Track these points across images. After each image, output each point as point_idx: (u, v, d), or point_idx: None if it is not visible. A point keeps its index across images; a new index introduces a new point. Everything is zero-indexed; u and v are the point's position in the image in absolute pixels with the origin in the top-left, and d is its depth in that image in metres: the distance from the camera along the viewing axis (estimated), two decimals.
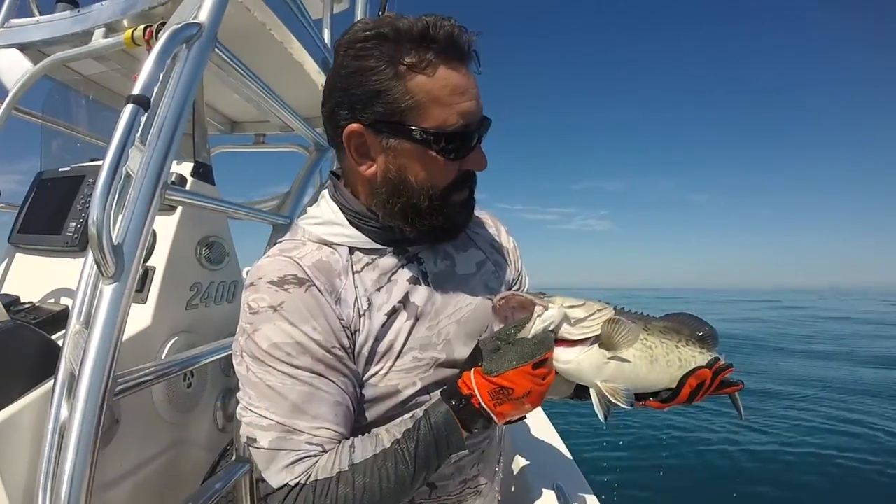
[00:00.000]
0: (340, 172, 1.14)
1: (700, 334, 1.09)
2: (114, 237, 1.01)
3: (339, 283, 0.99)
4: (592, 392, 0.97)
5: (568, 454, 2.34)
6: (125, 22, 1.63)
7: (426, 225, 1.02)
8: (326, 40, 2.31)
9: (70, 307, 1.15)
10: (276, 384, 0.89)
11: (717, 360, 1.06)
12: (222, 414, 1.71)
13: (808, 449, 7.13)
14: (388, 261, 1.06)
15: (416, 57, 0.92)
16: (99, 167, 0.99)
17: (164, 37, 1.16)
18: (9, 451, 1.08)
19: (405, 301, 1.03)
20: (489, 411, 0.89)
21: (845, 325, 28.07)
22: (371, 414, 1.02)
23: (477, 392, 0.89)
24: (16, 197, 2.05)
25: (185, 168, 1.62)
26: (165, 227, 1.52)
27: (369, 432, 0.94)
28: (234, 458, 1.59)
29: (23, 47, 1.87)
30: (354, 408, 0.98)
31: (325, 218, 1.08)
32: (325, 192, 1.14)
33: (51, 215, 1.78)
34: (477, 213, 1.26)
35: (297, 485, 0.86)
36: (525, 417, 1.03)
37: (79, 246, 1.64)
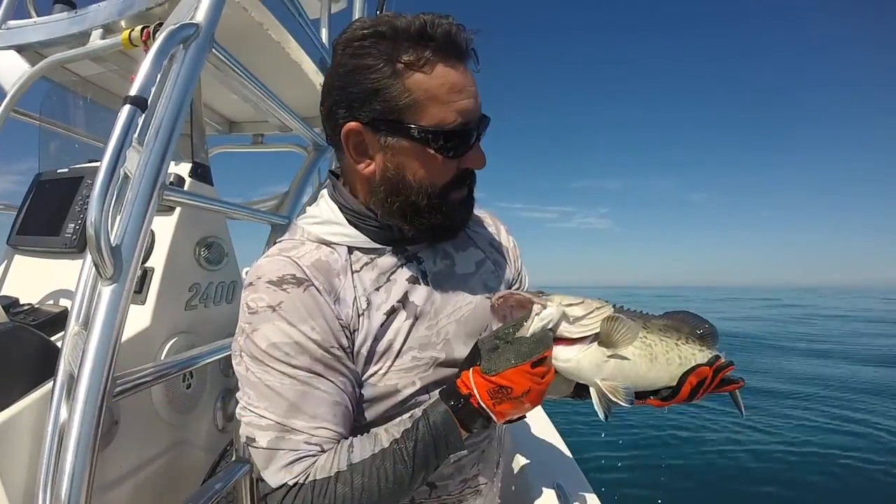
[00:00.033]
0: (339, 172, 1.14)
1: (700, 332, 1.08)
2: (112, 238, 1.01)
3: (338, 282, 0.99)
4: (592, 391, 0.96)
5: (568, 453, 2.33)
6: (122, 23, 1.63)
7: (425, 223, 1.02)
8: (324, 40, 2.31)
9: (69, 308, 1.15)
10: (275, 384, 0.90)
11: (717, 357, 1.05)
12: (222, 414, 1.71)
13: (811, 448, 7.07)
14: (387, 260, 1.06)
15: (413, 55, 0.92)
16: (97, 168, 0.99)
17: (160, 37, 1.16)
18: (8, 452, 1.08)
19: (404, 300, 1.03)
20: (488, 411, 0.89)
21: (846, 324, 28.01)
22: (370, 413, 1.02)
23: (476, 391, 0.89)
24: (14, 198, 2.05)
25: (183, 169, 1.62)
26: (164, 227, 1.52)
27: (368, 432, 0.94)
28: (234, 458, 1.59)
29: (20, 49, 1.87)
30: (353, 407, 0.98)
31: (323, 217, 1.08)
32: (325, 192, 1.14)
33: (49, 217, 1.77)
34: (476, 212, 1.26)
35: (295, 484, 0.87)
36: (524, 416, 1.03)
37: (77, 247, 1.64)
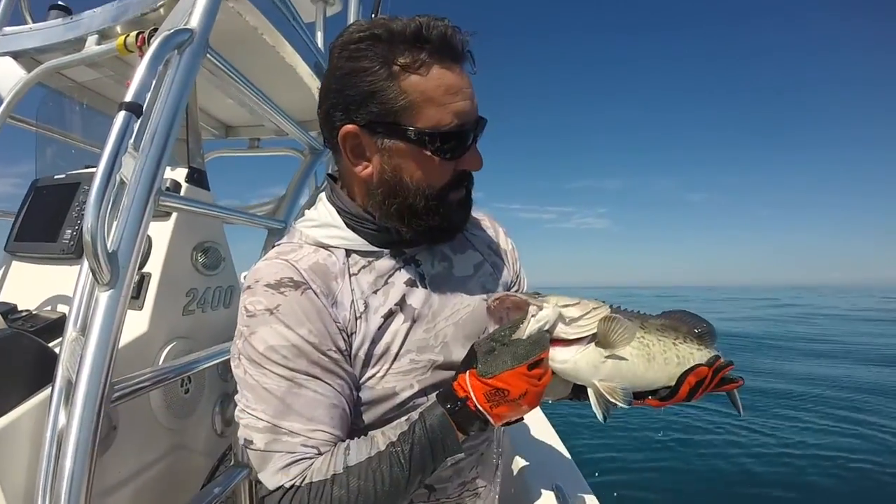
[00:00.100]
0: (337, 175, 1.14)
1: (697, 331, 1.08)
2: (108, 244, 1.01)
3: (336, 285, 0.99)
4: (590, 392, 0.96)
5: (567, 455, 2.34)
6: (118, 28, 1.64)
7: (423, 225, 1.02)
8: (319, 43, 2.31)
9: (67, 314, 1.15)
10: (272, 386, 0.90)
11: (717, 357, 1.04)
12: (220, 419, 1.71)
13: (814, 451, 6.99)
14: (385, 263, 1.07)
15: (409, 57, 0.92)
16: (94, 174, 0.99)
17: (155, 43, 1.16)
18: (7, 458, 1.09)
19: (402, 303, 1.04)
20: (485, 413, 0.89)
21: (846, 323, 27.94)
22: (368, 416, 1.02)
23: (472, 394, 0.89)
24: (12, 200, 2.05)
25: (179, 174, 1.62)
26: (161, 233, 1.52)
27: (366, 435, 0.95)
28: (232, 462, 1.59)
29: (16, 55, 1.87)
30: (351, 410, 0.98)
31: (321, 220, 1.08)
32: (323, 195, 1.14)
33: (46, 223, 1.78)
34: (475, 214, 1.27)
35: (291, 486, 0.87)
36: (522, 419, 1.03)
37: (75, 253, 1.64)
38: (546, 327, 0.93)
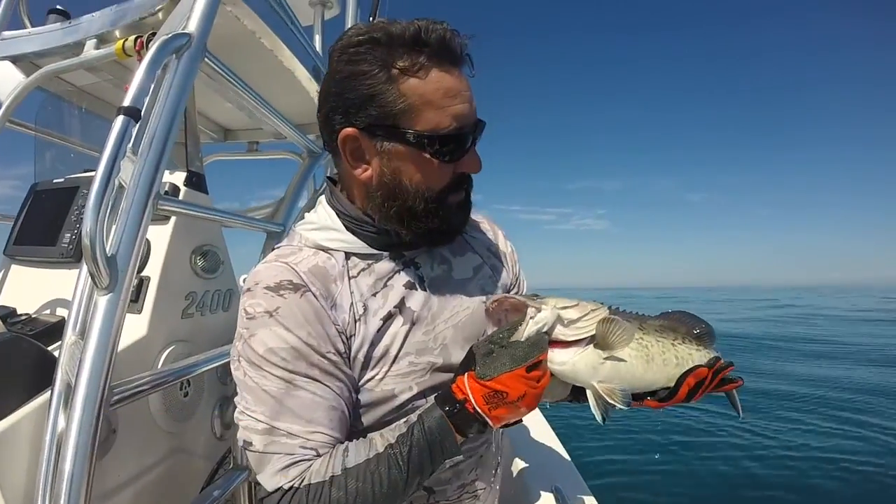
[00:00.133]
0: (337, 178, 1.14)
1: (696, 332, 1.08)
2: (107, 248, 1.01)
3: (335, 288, 1.00)
4: (589, 393, 0.96)
5: (567, 456, 2.34)
6: (116, 33, 1.64)
7: (422, 228, 1.02)
8: (317, 47, 2.32)
9: (66, 318, 1.15)
10: (272, 388, 0.90)
11: (717, 359, 1.04)
12: (220, 422, 1.71)
13: (816, 454, 6.92)
14: (385, 266, 1.07)
15: (408, 60, 0.92)
16: (92, 178, 1.00)
17: (153, 48, 1.17)
18: (7, 461, 1.09)
19: (401, 306, 1.04)
20: (484, 416, 0.88)
21: (845, 323, 27.85)
22: (367, 418, 1.02)
23: (471, 396, 0.89)
24: (11, 202, 2.06)
25: (178, 177, 1.63)
26: (159, 236, 1.52)
27: (365, 437, 0.95)
28: (232, 465, 1.59)
29: (15, 59, 1.87)
30: (350, 412, 0.98)
31: (321, 223, 1.08)
32: (322, 198, 1.14)
33: (46, 227, 1.78)
34: (474, 216, 1.27)
35: (290, 488, 0.87)
36: (521, 421, 1.03)
37: (74, 257, 1.65)
38: (544, 329, 0.93)
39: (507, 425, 0.98)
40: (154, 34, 1.49)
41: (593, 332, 0.95)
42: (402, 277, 1.07)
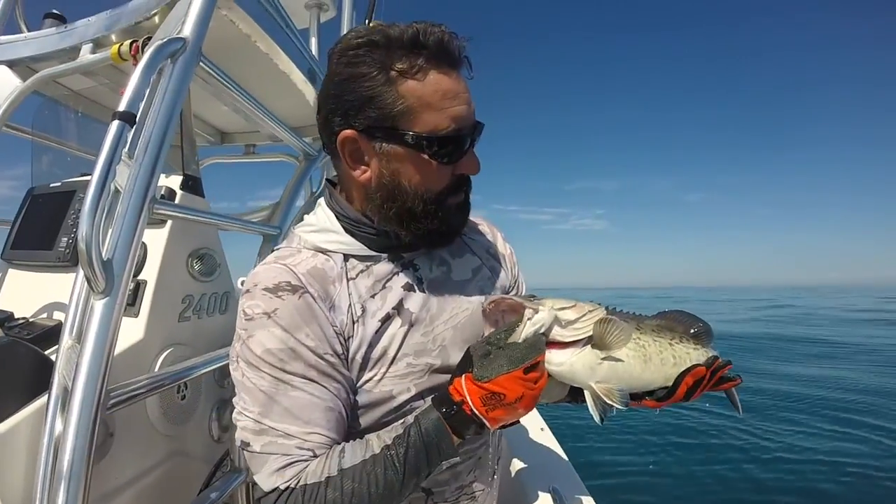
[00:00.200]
0: (336, 180, 1.15)
1: (693, 331, 1.08)
2: (103, 253, 1.02)
3: (334, 289, 1.00)
4: (587, 394, 0.95)
5: (565, 457, 2.34)
6: (112, 37, 1.64)
7: (421, 229, 1.02)
8: (313, 49, 2.32)
9: (63, 322, 1.16)
10: (269, 389, 0.90)
11: (715, 358, 1.04)
12: (217, 425, 1.71)
13: (820, 456, 6.83)
14: (383, 267, 1.07)
15: (406, 63, 0.93)
16: (88, 183, 1.00)
17: (147, 53, 1.17)
18: (5, 465, 1.09)
19: (399, 307, 1.04)
20: (481, 417, 0.88)
21: (846, 324, 27.74)
22: (365, 420, 1.02)
23: (468, 398, 0.89)
24: (9, 203, 2.07)
25: (174, 181, 1.63)
26: (156, 240, 1.53)
27: (362, 438, 0.95)
28: (229, 468, 1.59)
29: (11, 64, 1.87)
30: (348, 414, 0.98)
31: (320, 225, 1.08)
32: (322, 200, 1.14)
33: (43, 231, 1.78)
34: (473, 218, 1.27)
35: (286, 489, 0.87)
36: (518, 422, 1.03)
37: (71, 261, 1.64)
38: (542, 330, 0.92)
39: (504, 426, 0.98)
40: (150, 38, 1.50)
41: (591, 333, 0.94)
42: (401, 279, 1.07)
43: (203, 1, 1.34)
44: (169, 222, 1.54)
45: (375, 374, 1.00)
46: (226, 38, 1.68)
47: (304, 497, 0.86)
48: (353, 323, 0.99)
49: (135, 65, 1.20)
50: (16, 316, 1.60)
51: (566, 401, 1.14)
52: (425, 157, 0.97)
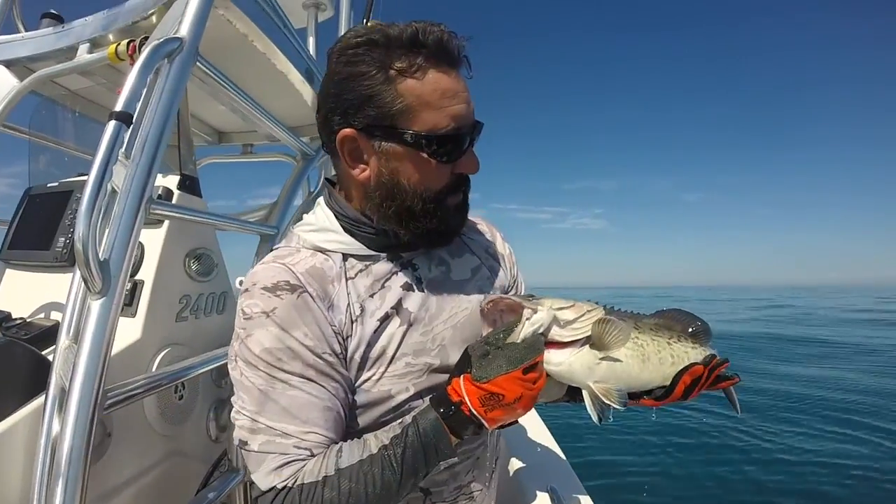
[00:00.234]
0: (336, 179, 1.15)
1: (691, 330, 1.07)
2: (100, 253, 1.02)
3: (332, 289, 1.00)
4: (585, 393, 0.95)
5: (563, 456, 2.33)
6: (109, 37, 1.64)
7: (420, 228, 1.02)
8: (311, 49, 2.32)
9: (60, 322, 1.16)
10: (267, 388, 0.90)
11: (712, 356, 1.03)
12: (215, 425, 1.71)
13: (823, 458, 6.79)
14: (382, 267, 1.07)
15: (406, 61, 0.93)
16: (85, 183, 1.01)
17: (144, 53, 1.17)
18: (2, 466, 1.09)
19: (398, 307, 1.04)
20: (480, 418, 0.88)
21: (845, 324, 27.68)
22: (364, 419, 1.02)
23: (467, 399, 0.88)
24: (7, 200, 2.07)
25: (171, 181, 1.63)
26: (153, 240, 1.53)
27: (360, 437, 0.95)
28: (227, 468, 1.59)
29: (9, 64, 1.87)
30: (346, 413, 0.98)
31: (319, 225, 1.08)
32: (321, 200, 1.14)
33: (40, 231, 1.78)
34: (472, 218, 1.27)
35: (283, 488, 0.87)
36: (517, 421, 1.03)
37: (68, 261, 1.64)
38: (541, 330, 0.92)
39: (502, 426, 0.98)
40: (147, 38, 1.50)
41: (589, 333, 0.94)
42: (400, 278, 1.07)
43: (200, 1, 1.34)
44: (166, 222, 1.54)
45: (374, 374, 1.00)
46: (223, 38, 1.67)
47: (301, 496, 0.86)
48: (352, 322, 0.99)
49: (132, 65, 1.20)
50: (13, 316, 1.59)
51: (564, 400, 1.13)
52: (424, 155, 0.97)
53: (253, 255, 1.83)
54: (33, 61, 1.84)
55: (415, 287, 1.08)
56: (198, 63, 1.34)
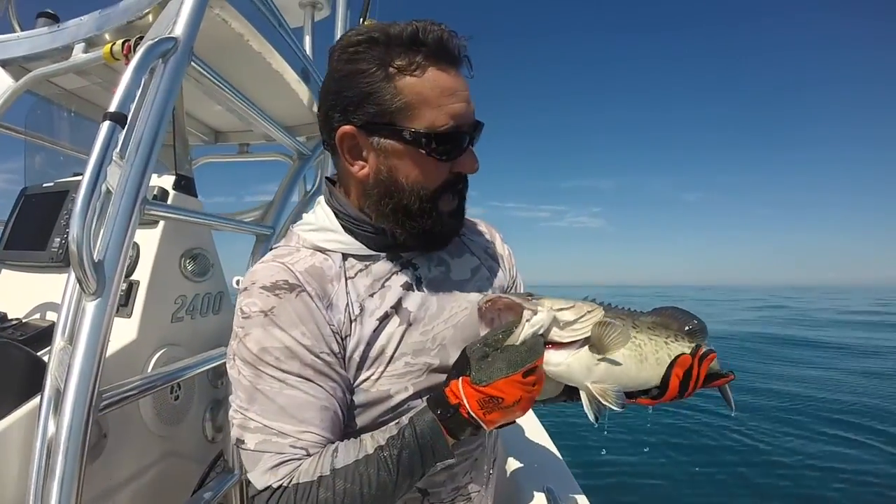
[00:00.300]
0: (335, 177, 1.15)
1: (688, 328, 1.07)
2: (95, 254, 1.02)
3: (331, 288, 1.00)
4: (582, 394, 0.95)
5: (559, 456, 2.33)
6: (105, 36, 1.63)
7: (416, 227, 1.02)
8: (307, 48, 2.31)
9: (55, 323, 1.16)
10: (265, 388, 0.90)
11: (699, 347, 1.04)
12: (211, 425, 1.71)
13: (823, 462, 6.75)
14: (382, 266, 1.07)
15: (405, 59, 0.93)
16: (79, 183, 1.00)
17: (138, 53, 1.17)
18: None
19: (397, 306, 1.04)
20: (478, 420, 0.88)
21: (843, 325, 27.63)
22: (362, 419, 1.02)
23: (465, 402, 0.88)
24: (4, 196, 2.06)
25: (166, 181, 1.63)
26: (148, 240, 1.53)
27: (356, 437, 0.95)
28: (223, 468, 1.59)
29: (4, 63, 1.86)
30: (343, 413, 0.98)
31: (319, 224, 1.08)
32: (321, 199, 1.15)
33: (35, 231, 1.78)
34: (471, 219, 1.28)
35: (279, 487, 0.87)
36: (515, 421, 1.03)
37: (64, 261, 1.64)
38: (541, 332, 0.92)
39: (500, 426, 0.98)
40: (142, 37, 1.49)
41: (588, 335, 0.94)
42: (400, 278, 1.07)
43: (195, 0, 1.33)
44: (161, 222, 1.54)
45: (373, 374, 1.00)
46: (218, 38, 1.67)
47: (297, 496, 0.86)
48: (351, 322, 0.99)
49: (127, 64, 1.20)
50: (9, 317, 1.59)
51: (561, 399, 1.13)
52: (423, 153, 0.97)
53: (249, 254, 1.83)
54: (29, 61, 1.84)
55: (414, 287, 1.08)
56: (193, 63, 1.33)
